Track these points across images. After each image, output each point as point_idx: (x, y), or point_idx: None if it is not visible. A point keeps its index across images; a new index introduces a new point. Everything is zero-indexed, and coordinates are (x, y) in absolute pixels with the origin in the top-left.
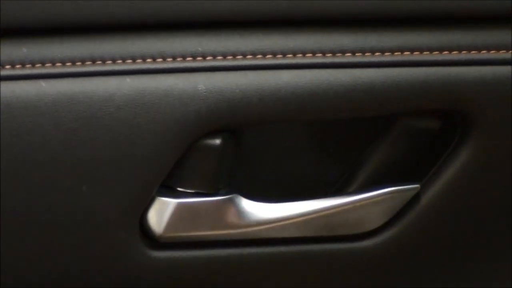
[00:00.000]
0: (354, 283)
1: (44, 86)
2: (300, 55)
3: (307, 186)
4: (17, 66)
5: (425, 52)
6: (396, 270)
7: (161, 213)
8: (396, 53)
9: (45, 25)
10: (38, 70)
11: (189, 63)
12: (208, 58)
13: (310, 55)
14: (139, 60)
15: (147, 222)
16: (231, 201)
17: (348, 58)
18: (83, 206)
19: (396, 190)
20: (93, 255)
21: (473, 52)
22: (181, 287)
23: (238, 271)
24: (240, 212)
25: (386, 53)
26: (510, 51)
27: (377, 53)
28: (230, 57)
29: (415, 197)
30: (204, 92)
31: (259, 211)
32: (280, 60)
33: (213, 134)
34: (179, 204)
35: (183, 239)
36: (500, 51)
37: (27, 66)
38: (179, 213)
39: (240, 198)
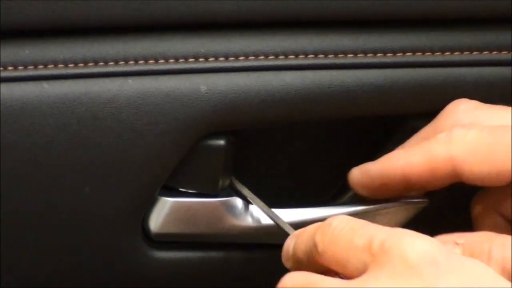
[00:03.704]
0: None
1: (46, 88)
2: (302, 56)
3: (312, 192)
4: (19, 67)
5: (427, 53)
6: None
7: (159, 212)
8: (398, 54)
9: (47, 26)
10: (40, 71)
11: (191, 64)
12: (210, 59)
13: (312, 56)
14: (141, 62)
15: (148, 222)
16: (229, 204)
17: (350, 59)
18: (85, 207)
19: (405, 202)
20: (95, 256)
21: (475, 53)
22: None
23: (238, 274)
24: (237, 215)
25: (388, 54)
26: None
27: (379, 54)
28: (232, 58)
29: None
30: (206, 93)
31: (258, 215)
32: (282, 61)
33: (215, 135)
34: (175, 203)
35: (175, 238)
36: (502, 52)
37: (29, 67)
38: (174, 212)
39: (240, 201)
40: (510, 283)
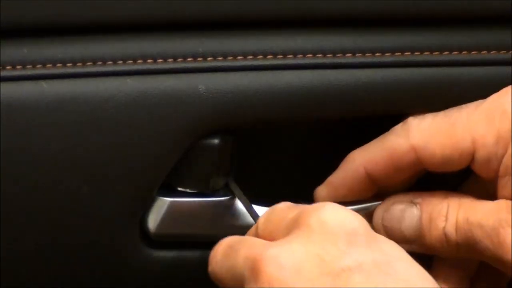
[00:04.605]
0: None
1: (45, 87)
2: (301, 55)
3: (312, 192)
4: (18, 66)
5: (425, 53)
6: None
7: (158, 212)
8: (396, 54)
9: (46, 25)
10: (39, 70)
11: (190, 63)
12: (209, 58)
13: (311, 55)
14: (139, 61)
15: (147, 222)
16: (226, 203)
17: (348, 58)
18: (83, 207)
19: None
20: (93, 256)
21: (474, 52)
22: (182, 287)
23: None
24: (235, 214)
25: (387, 54)
26: (511, 52)
27: (377, 54)
28: (231, 57)
29: None
30: (205, 92)
31: (256, 215)
32: (280, 61)
33: (214, 134)
34: (172, 203)
35: (174, 238)
36: (501, 52)
37: (28, 66)
38: (172, 212)
39: (237, 200)
40: (424, 272)
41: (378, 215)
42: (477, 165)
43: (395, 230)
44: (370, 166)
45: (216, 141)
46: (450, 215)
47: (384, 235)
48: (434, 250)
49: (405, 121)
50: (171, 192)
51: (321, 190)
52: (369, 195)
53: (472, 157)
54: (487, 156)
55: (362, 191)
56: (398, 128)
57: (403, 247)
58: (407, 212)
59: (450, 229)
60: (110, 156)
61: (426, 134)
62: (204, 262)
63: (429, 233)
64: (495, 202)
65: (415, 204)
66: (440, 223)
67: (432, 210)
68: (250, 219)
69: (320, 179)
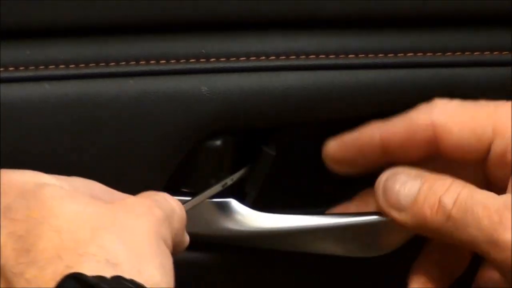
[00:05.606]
0: None
1: (48, 88)
2: (304, 56)
3: (312, 193)
4: (20, 68)
5: (428, 54)
6: None
7: None
8: (399, 55)
9: (48, 26)
10: (42, 72)
11: (193, 64)
12: (212, 59)
13: (314, 56)
14: (142, 62)
15: None
16: (223, 205)
17: (351, 59)
18: None
19: None
20: None
21: (476, 53)
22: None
23: (233, 276)
24: (231, 218)
25: (389, 55)
26: None
27: (380, 55)
28: (234, 58)
29: None
30: (207, 94)
31: (253, 219)
32: (283, 62)
33: (216, 136)
34: None
35: None
36: (503, 53)
37: (31, 68)
38: None
39: (236, 203)
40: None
41: (384, 174)
42: (492, 158)
43: (392, 192)
44: (386, 135)
45: (218, 142)
46: (452, 189)
47: (380, 197)
48: (421, 219)
49: (432, 101)
50: (174, 192)
51: (332, 144)
52: (376, 166)
53: (489, 148)
54: (505, 146)
55: (371, 158)
56: (423, 106)
57: (393, 214)
58: (410, 181)
59: (448, 199)
60: (112, 157)
61: (449, 114)
62: (205, 262)
63: (423, 198)
64: (506, 194)
65: (420, 177)
66: (439, 191)
67: (435, 183)
68: (251, 220)
69: (323, 180)
